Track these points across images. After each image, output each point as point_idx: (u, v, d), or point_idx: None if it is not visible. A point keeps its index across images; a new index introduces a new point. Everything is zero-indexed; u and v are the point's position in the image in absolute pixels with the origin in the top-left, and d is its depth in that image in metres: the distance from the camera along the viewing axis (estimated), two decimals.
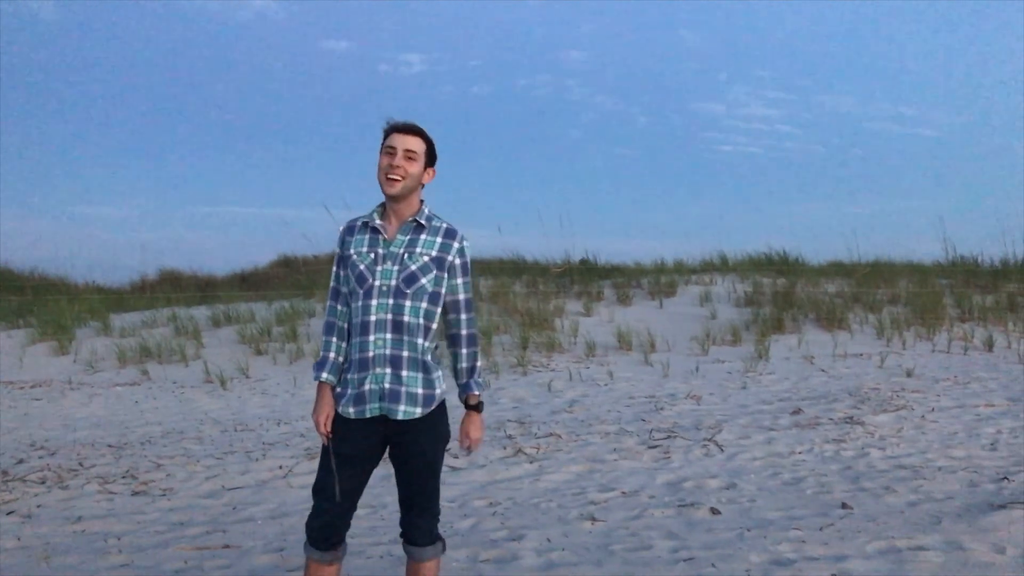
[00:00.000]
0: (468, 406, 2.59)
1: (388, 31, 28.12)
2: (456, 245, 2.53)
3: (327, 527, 2.51)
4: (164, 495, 4.77)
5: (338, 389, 2.51)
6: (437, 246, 2.50)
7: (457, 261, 2.53)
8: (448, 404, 2.57)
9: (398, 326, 2.45)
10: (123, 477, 5.15)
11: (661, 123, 28.38)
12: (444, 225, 2.55)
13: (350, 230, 2.57)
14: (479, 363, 2.61)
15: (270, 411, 7.52)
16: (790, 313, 11.48)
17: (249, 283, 15.78)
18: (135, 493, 4.82)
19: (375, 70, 27.45)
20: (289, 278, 15.03)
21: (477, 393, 2.59)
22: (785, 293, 12.27)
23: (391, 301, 2.44)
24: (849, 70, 27.88)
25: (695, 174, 27.65)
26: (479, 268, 14.15)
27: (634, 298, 12.82)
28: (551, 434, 6.11)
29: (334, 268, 2.60)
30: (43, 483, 5.02)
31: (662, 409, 7.01)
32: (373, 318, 2.44)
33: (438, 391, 2.51)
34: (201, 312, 12.20)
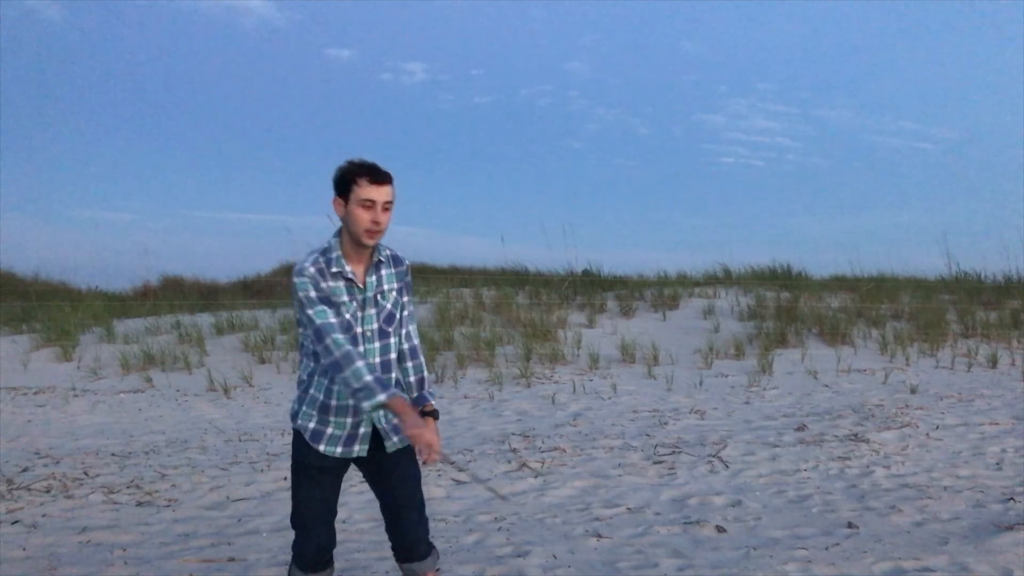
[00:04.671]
0: (424, 413, 2.52)
1: (390, 40, 28.27)
2: (405, 268, 2.60)
3: (320, 550, 2.57)
4: (169, 506, 4.77)
5: (311, 425, 2.49)
6: (396, 277, 2.56)
7: (407, 280, 2.62)
8: None
9: (386, 365, 2.50)
10: (128, 487, 5.15)
11: (663, 134, 28.49)
12: (390, 253, 2.58)
13: (321, 274, 2.41)
14: (427, 374, 2.65)
15: (273, 420, 7.52)
16: (793, 327, 11.48)
17: (252, 290, 15.81)
18: (140, 503, 4.82)
19: (377, 79, 27.57)
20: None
21: (432, 402, 2.59)
22: (788, 307, 12.28)
23: (377, 344, 2.49)
24: (850, 84, 28.01)
25: (697, 186, 27.74)
26: (482, 278, 14.16)
27: (637, 310, 12.82)
28: (555, 448, 6.10)
29: (318, 306, 2.37)
30: (48, 492, 5.02)
31: (666, 423, 7.01)
32: None
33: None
34: (204, 319, 12.21)
